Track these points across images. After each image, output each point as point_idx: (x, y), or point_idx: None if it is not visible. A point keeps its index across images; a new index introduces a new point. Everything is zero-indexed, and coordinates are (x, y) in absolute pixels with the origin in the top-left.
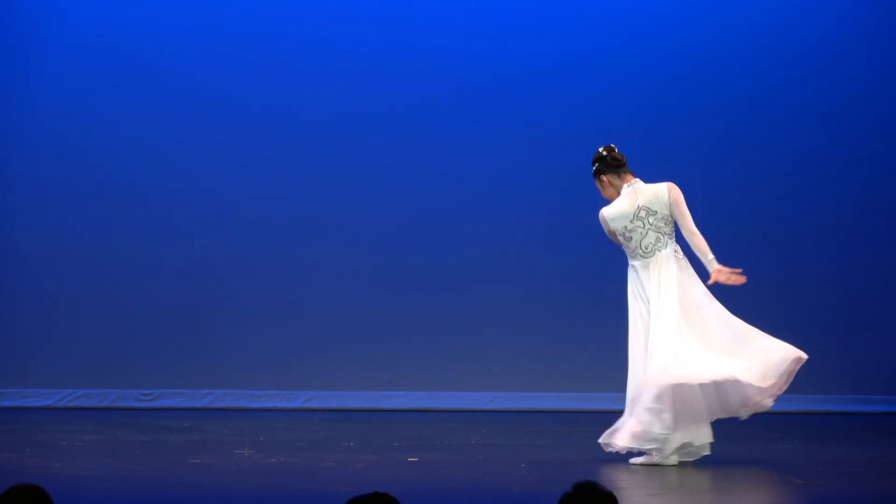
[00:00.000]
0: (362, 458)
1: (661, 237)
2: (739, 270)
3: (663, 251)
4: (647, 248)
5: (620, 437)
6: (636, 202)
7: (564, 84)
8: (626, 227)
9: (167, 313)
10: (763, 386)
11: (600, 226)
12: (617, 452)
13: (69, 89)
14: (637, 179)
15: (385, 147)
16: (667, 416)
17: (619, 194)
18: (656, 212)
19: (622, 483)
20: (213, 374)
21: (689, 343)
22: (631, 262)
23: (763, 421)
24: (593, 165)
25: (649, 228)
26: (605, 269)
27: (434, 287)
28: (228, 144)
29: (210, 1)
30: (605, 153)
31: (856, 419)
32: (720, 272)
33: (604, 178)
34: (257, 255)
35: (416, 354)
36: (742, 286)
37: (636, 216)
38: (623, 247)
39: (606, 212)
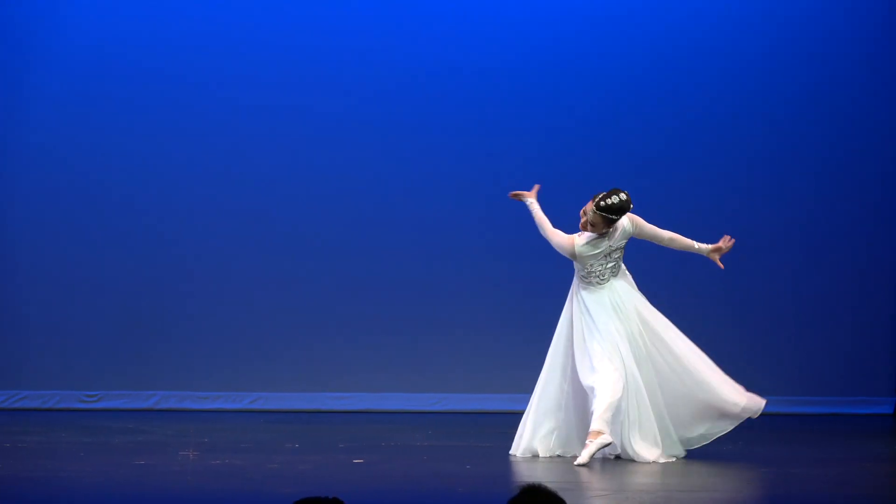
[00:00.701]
0: (307, 460)
1: (617, 264)
2: (727, 237)
3: (614, 278)
4: (602, 277)
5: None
6: (610, 244)
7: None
8: (591, 263)
9: (112, 314)
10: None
11: (530, 230)
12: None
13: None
14: None
15: (316, 148)
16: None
17: (598, 232)
18: (620, 247)
19: (565, 484)
20: (158, 376)
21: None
22: (580, 282)
23: None
24: (616, 215)
25: (610, 263)
26: (549, 272)
27: (379, 289)
28: (181, 146)
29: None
30: (628, 199)
31: (798, 420)
32: (719, 249)
33: (610, 228)
34: (201, 257)
35: (361, 356)
36: (707, 292)
37: (605, 255)
38: (580, 271)
39: (580, 245)
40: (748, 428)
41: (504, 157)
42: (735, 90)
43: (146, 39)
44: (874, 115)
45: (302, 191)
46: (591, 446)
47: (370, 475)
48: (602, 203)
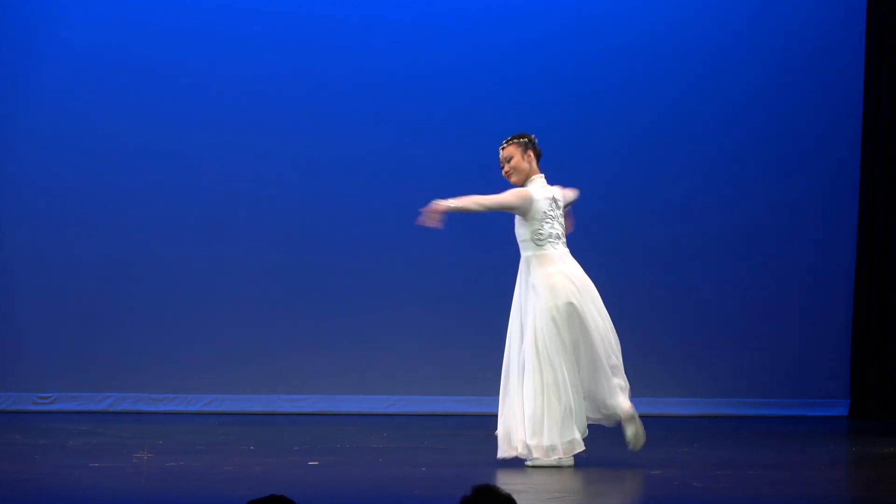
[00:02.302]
0: (262, 462)
1: (562, 233)
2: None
3: (564, 246)
4: (557, 237)
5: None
6: (549, 193)
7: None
8: (545, 212)
9: (65, 315)
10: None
11: (498, 230)
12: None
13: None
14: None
15: (282, 147)
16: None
17: (524, 182)
18: (560, 206)
19: (519, 486)
20: (112, 378)
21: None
22: (536, 252)
23: (663, 424)
24: (522, 137)
25: (556, 219)
26: (504, 273)
27: (333, 290)
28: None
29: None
30: (534, 137)
31: (754, 423)
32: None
33: (530, 153)
34: (156, 257)
35: (316, 358)
36: (660, 292)
37: (550, 205)
38: (534, 234)
39: (533, 191)
40: (704, 430)
41: (480, 159)
42: (688, 89)
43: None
44: (829, 114)
45: (258, 194)
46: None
47: (326, 477)
48: (504, 143)
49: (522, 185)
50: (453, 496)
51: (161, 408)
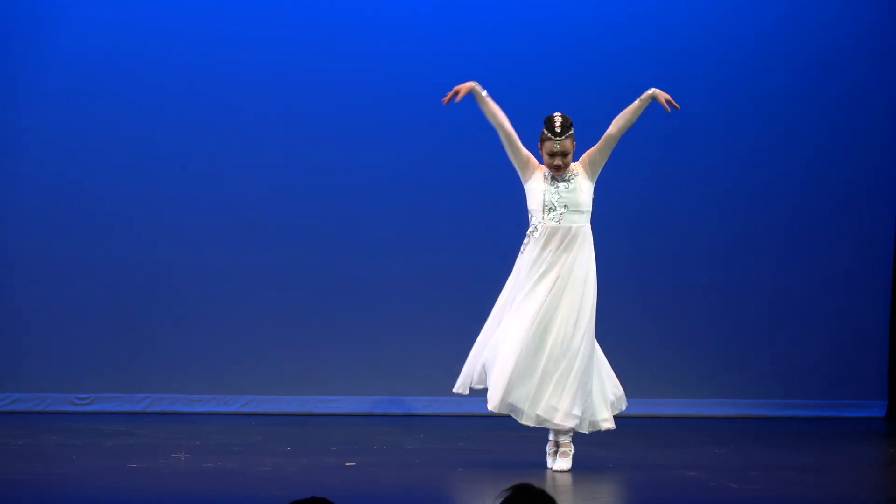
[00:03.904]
0: (298, 463)
1: None
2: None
3: None
4: None
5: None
6: None
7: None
8: None
9: (104, 317)
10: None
11: (519, 232)
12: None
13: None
14: None
15: (311, 149)
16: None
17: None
18: None
19: (556, 488)
20: (149, 378)
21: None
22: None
23: (697, 426)
24: (572, 127)
25: None
26: None
27: (372, 292)
28: (174, 146)
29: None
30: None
31: (789, 424)
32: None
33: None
34: (194, 260)
35: (352, 359)
36: (694, 292)
37: None
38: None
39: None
40: (739, 431)
41: (499, 159)
42: (720, 88)
43: (143, 37)
44: (865, 113)
45: (295, 192)
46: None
47: (362, 478)
48: (560, 132)
49: None
50: (490, 497)
51: (197, 409)
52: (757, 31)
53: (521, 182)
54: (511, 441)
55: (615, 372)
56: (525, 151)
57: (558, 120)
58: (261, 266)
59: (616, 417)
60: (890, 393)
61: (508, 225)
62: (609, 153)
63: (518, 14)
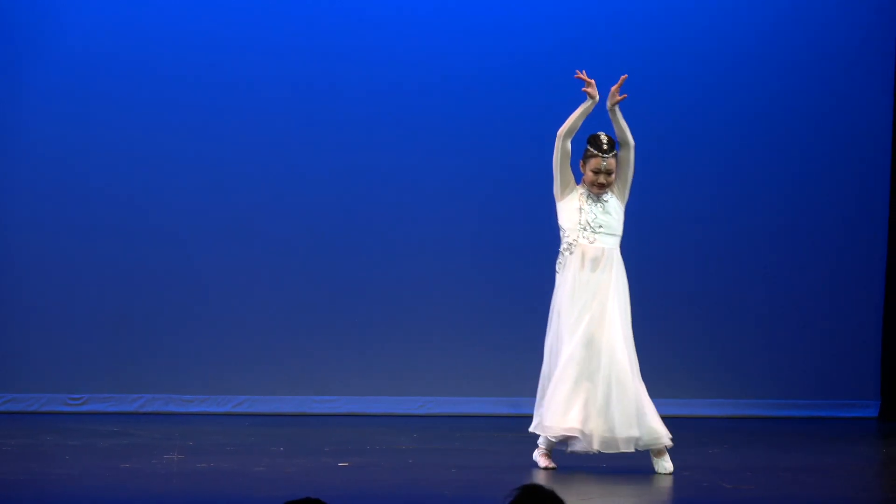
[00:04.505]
0: (293, 463)
1: None
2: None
3: None
4: None
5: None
6: None
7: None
8: None
9: (98, 317)
10: None
11: (528, 232)
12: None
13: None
14: None
15: (307, 150)
16: None
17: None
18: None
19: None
20: (143, 379)
21: None
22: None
23: (691, 426)
24: (615, 145)
25: None
26: (535, 275)
27: (364, 291)
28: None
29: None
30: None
31: (783, 424)
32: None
33: None
34: (187, 259)
35: (347, 359)
36: (669, 291)
37: None
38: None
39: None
40: (733, 431)
41: (495, 161)
42: (713, 90)
43: (143, 37)
44: (858, 115)
45: (286, 193)
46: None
47: (356, 479)
48: (606, 149)
49: None
50: (484, 497)
51: (191, 409)
52: (748, 33)
53: (551, 195)
54: (505, 441)
55: None
56: (570, 170)
57: (605, 138)
58: (255, 266)
59: None
60: (883, 393)
61: (503, 226)
62: (628, 173)
63: (517, 14)
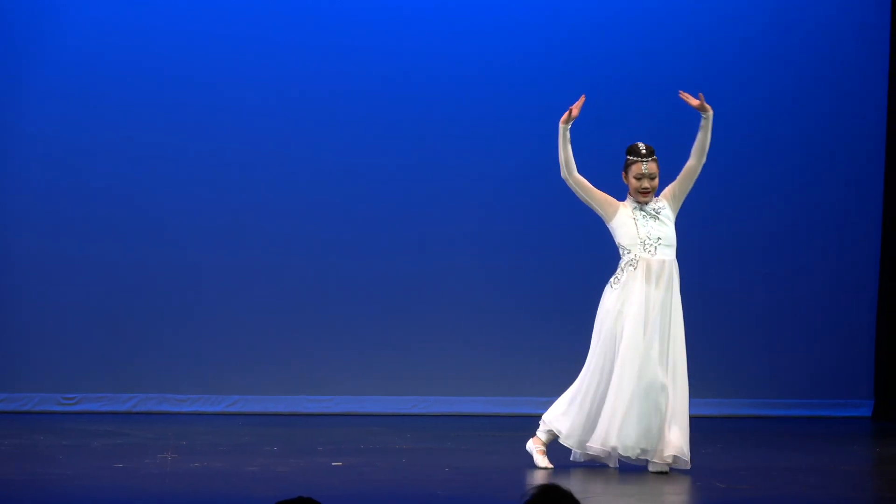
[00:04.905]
0: (286, 463)
1: None
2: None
3: None
4: None
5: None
6: None
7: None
8: None
9: (91, 317)
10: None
11: (519, 231)
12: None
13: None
14: None
15: (303, 148)
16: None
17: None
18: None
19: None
20: (136, 378)
21: None
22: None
23: None
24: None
25: None
26: (526, 275)
27: (357, 291)
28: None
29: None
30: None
31: (777, 423)
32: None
33: None
34: (180, 259)
35: (340, 359)
36: (681, 292)
37: None
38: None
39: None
40: (727, 431)
41: (491, 160)
42: (707, 91)
43: (141, 37)
44: (853, 113)
45: (282, 194)
46: None
47: (349, 478)
48: (646, 153)
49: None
50: (477, 497)
51: (185, 408)
52: (746, 33)
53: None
54: (498, 441)
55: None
56: (600, 192)
57: (642, 144)
58: (248, 266)
59: None
60: (876, 392)
61: (495, 225)
62: (690, 185)
63: (518, 14)
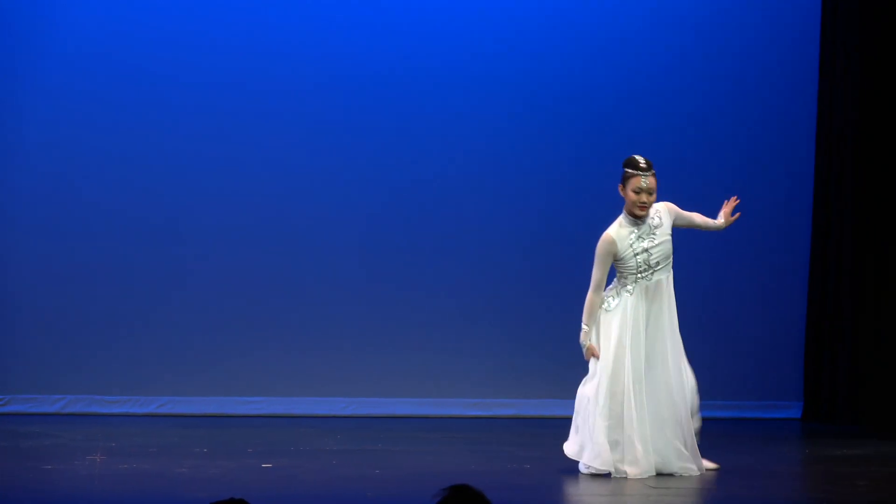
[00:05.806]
0: (216, 465)
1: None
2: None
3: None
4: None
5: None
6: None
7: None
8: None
9: (18, 316)
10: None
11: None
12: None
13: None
14: None
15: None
16: None
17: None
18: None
19: (494, 489)
20: (65, 380)
21: None
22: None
23: None
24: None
25: None
26: (458, 275)
27: (286, 293)
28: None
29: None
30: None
31: (706, 425)
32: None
33: None
34: (112, 259)
35: (270, 360)
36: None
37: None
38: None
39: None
40: None
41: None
42: (640, 87)
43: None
44: (784, 112)
45: (223, 194)
46: None
47: (279, 480)
48: (646, 168)
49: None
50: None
51: (114, 410)
52: (679, 34)
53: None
54: (430, 442)
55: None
56: (605, 268)
57: (641, 157)
58: (175, 268)
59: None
60: (806, 394)
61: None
62: (692, 222)
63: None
